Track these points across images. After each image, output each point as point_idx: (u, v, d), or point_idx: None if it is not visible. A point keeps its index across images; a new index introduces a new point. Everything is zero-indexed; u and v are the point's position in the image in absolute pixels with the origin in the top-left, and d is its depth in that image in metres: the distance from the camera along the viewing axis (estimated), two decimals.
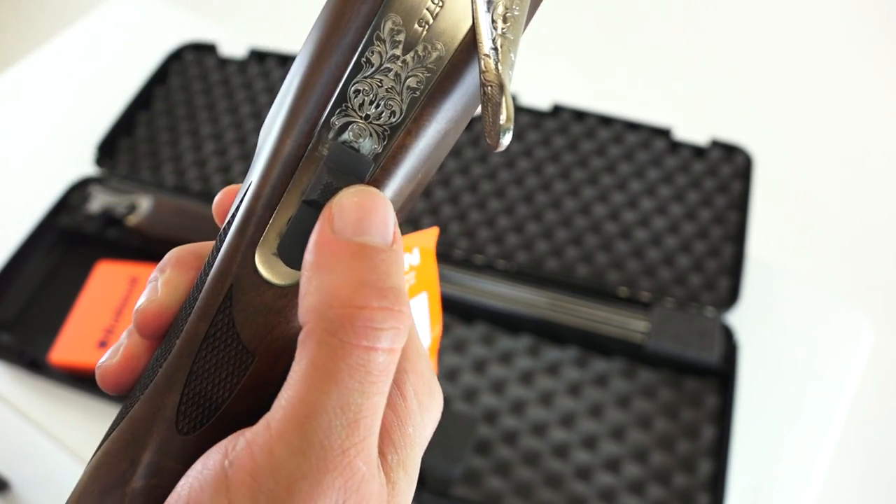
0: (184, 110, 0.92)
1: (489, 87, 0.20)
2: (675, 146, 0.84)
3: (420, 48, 0.21)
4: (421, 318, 0.38)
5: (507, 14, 0.20)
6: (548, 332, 0.72)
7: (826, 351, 0.73)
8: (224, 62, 0.96)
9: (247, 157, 0.87)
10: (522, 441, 0.66)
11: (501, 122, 0.19)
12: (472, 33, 0.21)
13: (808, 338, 0.74)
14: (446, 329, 0.72)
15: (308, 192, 0.21)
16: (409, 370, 0.21)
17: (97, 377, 0.23)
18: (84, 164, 0.86)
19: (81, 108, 0.96)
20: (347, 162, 0.21)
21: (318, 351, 0.18)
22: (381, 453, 0.20)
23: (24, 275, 0.78)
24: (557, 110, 0.87)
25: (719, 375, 0.69)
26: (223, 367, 0.21)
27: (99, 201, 0.80)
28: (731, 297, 0.72)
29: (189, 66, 0.96)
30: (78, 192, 0.84)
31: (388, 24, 0.21)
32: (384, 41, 0.21)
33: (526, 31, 0.21)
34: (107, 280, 0.75)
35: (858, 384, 0.71)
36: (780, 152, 1.69)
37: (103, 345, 0.70)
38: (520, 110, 0.87)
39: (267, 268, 0.21)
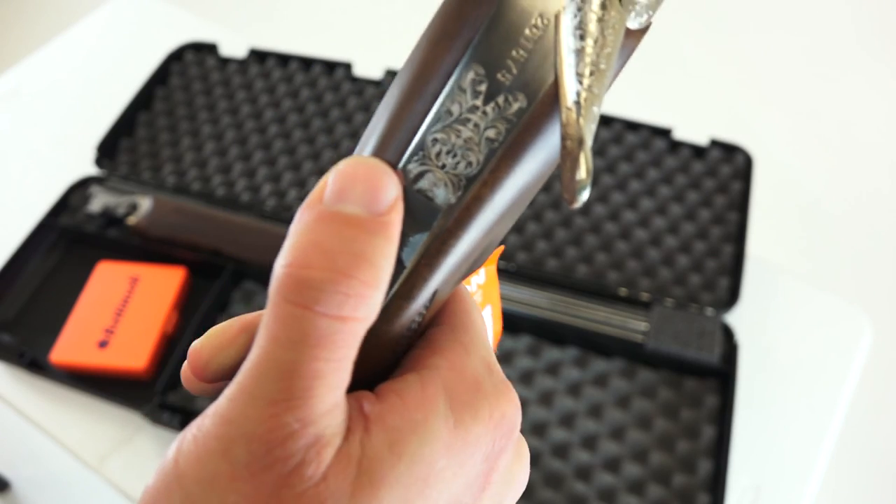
0: (184, 110, 0.92)
1: (569, 142, 0.19)
2: (675, 146, 0.84)
3: (501, 99, 0.21)
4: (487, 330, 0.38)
5: (593, 68, 0.19)
6: (548, 332, 0.72)
7: (826, 351, 0.73)
8: (224, 62, 0.96)
9: (247, 158, 0.87)
10: None
11: (580, 179, 0.19)
12: (556, 86, 0.20)
13: (808, 338, 0.74)
14: None
15: None
16: (444, 367, 0.21)
17: (188, 372, 0.23)
18: (84, 165, 0.86)
19: (82, 108, 0.96)
20: (421, 209, 0.21)
21: (266, 311, 0.18)
22: (366, 427, 0.19)
23: (25, 275, 0.78)
24: None
25: (719, 375, 0.69)
26: None
27: (99, 201, 0.80)
28: (730, 297, 0.72)
29: (189, 67, 0.96)
30: (78, 192, 0.84)
31: (470, 75, 0.21)
32: (465, 91, 0.21)
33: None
34: (107, 280, 0.75)
35: (858, 384, 0.72)
36: (780, 152, 1.69)
37: (103, 345, 0.70)
38: None
39: None
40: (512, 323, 0.73)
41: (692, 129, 0.90)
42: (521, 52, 0.21)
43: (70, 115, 0.96)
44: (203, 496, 0.17)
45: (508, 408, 0.21)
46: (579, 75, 0.19)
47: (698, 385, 0.69)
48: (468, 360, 0.21)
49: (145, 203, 0.78)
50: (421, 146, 0.21)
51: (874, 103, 1.82)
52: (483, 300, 0.38)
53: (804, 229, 1.60)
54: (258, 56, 0.96)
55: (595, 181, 0.82)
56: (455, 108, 0.21)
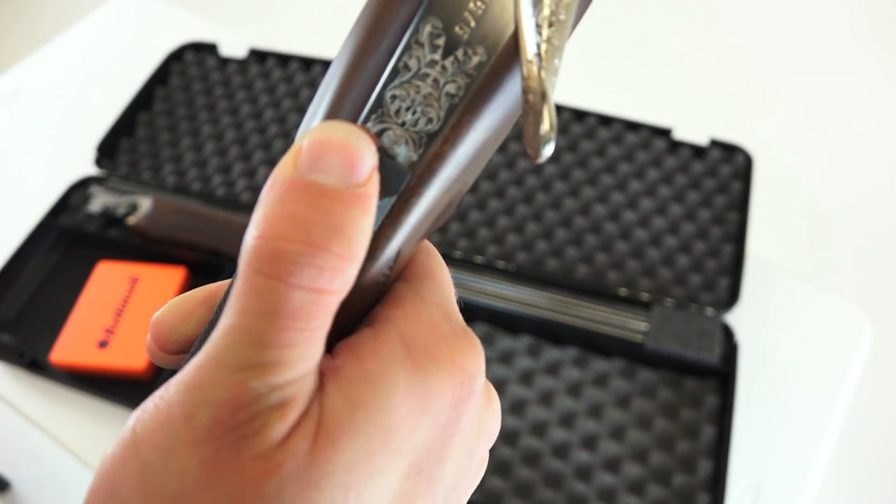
0: (184, 110, 0.92)
1: (531, 95, 0.19)
2: (675, 146, 0.84)
3: (460, 53, 0.20)
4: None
5: (553, 19, 0.19)
6: (548, 332, 0.72)
7: (825, 351, 0.73)
8: (224, 62, 0.96)
9: (247, 158, 0.87)
10: (522, 441, 0.66)
11: (543, 132, 0.19)
12: (515, 38, 0.20)
13: (808, 337, 0.74)
14: None
15: None
16: (399, 316, 0.20)
17: (150, 343, 0.23)
18: (84, 165, 0.86)
19: (82, 108, 0.96)
20: (383, 170, 0.20)
21: (236, 282, 0.18)
22: (321, 383, 0.19)
23: (25, 275, 0.78)
24: (557, 110, 0.87)
25: (719, 375, 0.69)
26: None
27: (99, 201, 0.80)
28: (730, 297, 0.72)
29: (189, 67, 0.96)
30: (78, 192, 0.84)
31: (428, 28, 0.20)
32: (423, 45, 0.20)
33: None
34: (107, 280, 0.75)
35: (858, 384, 0.72)
36: (780, 152, 1.69)
37: (104, 345, 0.70)
38: None
39: None
40: (512, 323, 0.73)
41: (692, 129, 0.90)
42: (479, 3, 0.20)
43: (70, 115, 0.96)
44: (161, 463, 0.17)
45: (470, 352, 0.21)
46: (539, 27, 0.19)
47: (698, 385, 0.69)
48: (423, 307, 0.21)
49: (145, 203, 0.78)
50: (379, 103, 0.20)
51: (874, 103, 1.82)
52: None
53: (804, 229, 1.60)
54: (258, 56, 0.96)
55: (595, 181, 0.82)
56: (413, 63, 0.20)
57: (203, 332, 0.23)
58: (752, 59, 1.92)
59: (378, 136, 0.20)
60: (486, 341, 0.72)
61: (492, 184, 0.82)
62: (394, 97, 0.20)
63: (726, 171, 0.81)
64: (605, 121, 0.86)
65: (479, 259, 0.76)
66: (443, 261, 0.23)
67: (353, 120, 0.20)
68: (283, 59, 0.95)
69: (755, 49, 1.94)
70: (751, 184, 0.80)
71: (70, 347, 0.70)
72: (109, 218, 0.80)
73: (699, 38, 1.99)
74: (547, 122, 0.19)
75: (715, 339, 0.69)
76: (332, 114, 0.21)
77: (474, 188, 0.82)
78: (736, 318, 0.72)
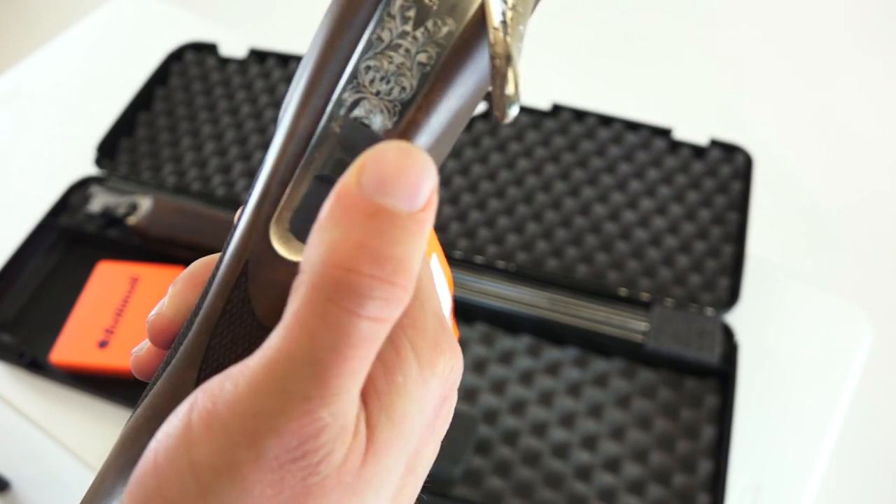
0: (184, 111, 0.92)
1: (497, 60, 0.20)
2: (675, 146, 0.84)
3: (430, 23, 0.21)
4: (438, 280, 0.38)
5: None
6: (548, 332, 0.72)
7: (825, 351, 0.73)
8: (224, 62, 0.96)
9: (247, 158, 0.87)
10: (522, 441, 0.66)
11: (508, 94, 0.19)
12: (482, 7, 0.21)
13: (808, 338, 0.74)
14: None
15: (320, 168, 0.22)
16: (407, 325, 0.21)
17: (131, 365, 0.24)
18: (84, 165, 0.86)
19: (82, 108, 0.96)
20: (359, 138, 0.21)
21: (301, 304, 0.18)
22: (363, 401, 0.20)
23: (25, 275, 0.78)
24: (557, 110, 0.87)
25: (719, 375, 0.69)
26: (239, 343, 0.22)
27: (99, 201, 0.80)
28: (730, 297, 0.72)
29: (189, 67, 0.96)
30: (78, 192, 0.84)
31: (399, 1, 0.21)
32: (394, 17, 0.21)
33: (533, 14, 0.21)
34: (107, 280, 0.75)
35: (858, 384, 0.72)
36: (780, 152, 1.69)
37: (104, 345, 0.70)
38: (520, 110, 0.87)
39: (281, 243, 0.22)
40: (512, 323, 0.73)
41: (692, 129, 0.90)
42: None
43: (70, 115, 0.96)
44: (218, 484, 0.18)
45: (457, 360, 0.22)
46: None
47: (698, 385, 0.69)
48: (426, 316, 0.22)
49: (145, 203, 0.78)
50: (354, 74, 0.21)
51: (875, 103, 1.82)
52: (427, 249, 0.37)
53: (804, 229, 1.60)
54: (258, 56, 0.96)
55: (595, 181, 0.82)
56: (385, 35, 0.21)
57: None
58: (753, 59, 1.92)
59: (354, 105, 0.21)
60: (486, 341, 0.72)
61: (492, 184, 0.82)
62: (368, 68, 0.21)
63: (726, 171, 0.81)
64: (605, 121, 0.86)
65: (479, 259, 0.76)
66: (427, 261, 0.24)
67: (331, 90, 0.21)
68: (283, 59, 0.95)
69: (755, 49, 1.94)
70: (751, 184, 0.80)
71: (70, 347, 0.70)
72: (109, 218, 0.80)
73: (699, 38, 1.99)
74: (512, 85, 0.19)
75: (715, 339, 0.69)
76: (311, 86, 0.22)
77: (474, 188, 0.82)
78: (736, 318, 0.72)
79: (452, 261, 0.76)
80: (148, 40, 1.01)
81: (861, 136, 1.76)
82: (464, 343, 0.72)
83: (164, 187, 0.83)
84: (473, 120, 0.87)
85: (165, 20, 1.05)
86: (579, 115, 0.87)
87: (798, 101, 1.83)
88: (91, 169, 0.86)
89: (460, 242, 0.78)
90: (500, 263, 0.76)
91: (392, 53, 0.21)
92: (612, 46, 1.97)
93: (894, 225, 1.60)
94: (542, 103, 0.88)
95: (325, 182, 0.21)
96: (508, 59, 0.20)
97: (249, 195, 0.23)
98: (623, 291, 0.74)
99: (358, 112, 0.21)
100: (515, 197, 0.81)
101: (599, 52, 1.96)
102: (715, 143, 0.83)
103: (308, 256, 0.18)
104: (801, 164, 1.70)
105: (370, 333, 0.18)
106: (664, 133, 0.84)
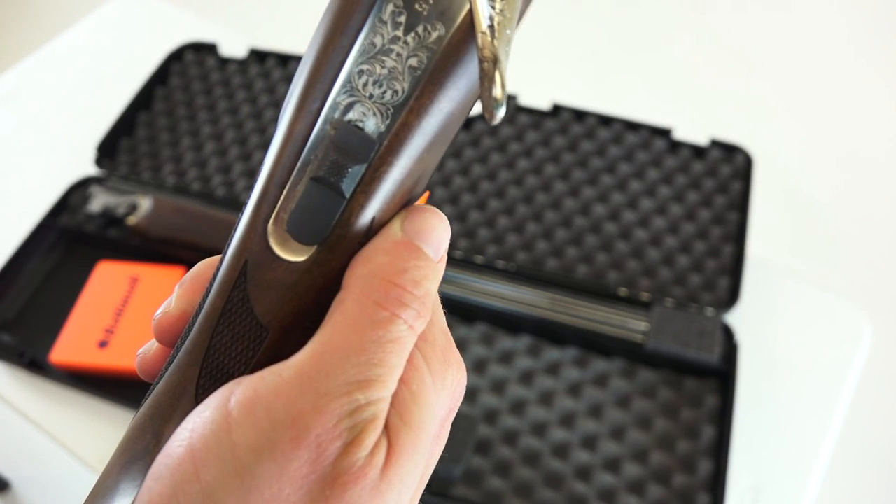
0: (184, 111, 0.92)
1: (485, 63, 0.20)
2: (675, 146, 0.84)
3: (421, 28, 0.22)
4: None
5: None
6: (548, 332, 0.72)
7: (825, 350, 0.73)
8: (224, 62, 0.96)
9: (247, 158, 0.87)
10: (522, 441, 0.66)
11: (496, 96, 0.20)
12: (470, 12, 0.22)
13: (808, 337, 0.74)
14: None
15: (316, 170, 0.22)
16: (419, 340, 0.23)
17: (137, 366, 0.26)
18: (84, 164, 0.86)
19: (82, 108, 0.96)
20: (353, 140, 0.22)
21: (351, 305, 0.21)
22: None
23: (25, 275, 0.78)
24: (557, 110, 0.87)
25: (719, 375, 0.69)
26: (239, 342, 0.22)
27: (99, 201, 0.80)
28: (730, 297, 0.72)
29: (189, 67, 0.96)
30: (78, 192, 0.84)
31: (390, 7, 0.22)
32: (386, 23, 0.22)
33: (525, 28, 0.21)
34: (107, 280, 0.75)
35: (858, 384, 0.72)
36: (780, 152, 1.69)
37: (104, 345, 0.70)
38: (520, 110, 0.87)
39: (279, 244, 0.22)
40: (512, 323, 0.73)
41: (692, 129, 0.90)
42: None
43: (70, 115, 0.96)
44: (257, 462, 0.19)
45: (463, 377, 0.25)
46: (491, 1, 0.21)
47: (698, 385, 0.69)
48: (435, 332, 0.24)
49: (145, 203, 0.78)
50: (348, 79, 0.22)
51: (875, 103, 1.82)
52: None
53: (804, 229, 1.60)
54: (258, 56, 0.96)
55: (595, 181, 0.82)
56: (378, 41, 0.22)
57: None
58: (753, 59, 1.92)
59: (348, 108, 0.22)
60: (486, 341, 0.72)
61: (492, 184, 0.82)
62: (361, 72, 0.22)
63: (726, 171, 0.81)
64: (605, 121, 0.86)
65: (479, 259, 0.76)
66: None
67: (326, 94, 0.22)
68: (283, 59, 0.95)
69: (756, 49, 1.94)
70: (751, 184, 0.80)
71: (70, 347, 0.70)
72: (109, 218, 0.80)
73: (699, 38, 1.99)
74: (499, 87, 0.20)
75: (715, 339, 0.69)
76: (307, 90, 0.22)
77: (474, 188, 0.82)
78: (736, 318, 0.72)
79: (452, 261, 0.76)
80: (148, 40, 1.01)
81: (862, 136, 1.76)
82: (464, 343, 0.72)
83: (164, 187, 0.83)
84: (473, 120, 0.87)
85: (165, 20, 1.05)
86: (579, 115, 0.87)
87: (798, 100, 1.83)
88: (91, 169, 0.86)
89: (460, 242, 0.78)
90: (500, 263, 0.76)
91: (384, 58, 0.22)
92: (612, 47, 1.97)
93: (894, 224, 1.60)
94: (542, 103, 0.88)
95: (321, 184, 0.22)
96: (496, 61, 0.20)
97: (249, 196, 0.23)
98: (623, 291, 0.74)
99: (352, 115, 0.22)
100: (515, 197, 0.81)
101: (599, 53, 1.96)
102: (715, 143, 0.83)
103: (355, 273, 0.22)
104: (801, 163, 1.70)
105: (405, 335, 0.22)
106: (664, 133, 0.84)
